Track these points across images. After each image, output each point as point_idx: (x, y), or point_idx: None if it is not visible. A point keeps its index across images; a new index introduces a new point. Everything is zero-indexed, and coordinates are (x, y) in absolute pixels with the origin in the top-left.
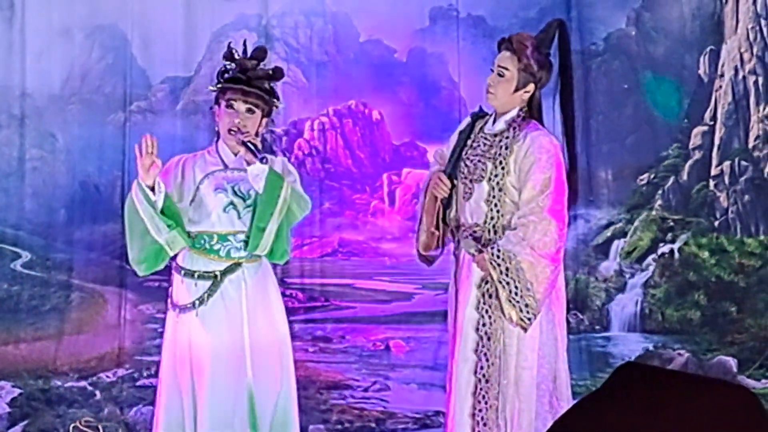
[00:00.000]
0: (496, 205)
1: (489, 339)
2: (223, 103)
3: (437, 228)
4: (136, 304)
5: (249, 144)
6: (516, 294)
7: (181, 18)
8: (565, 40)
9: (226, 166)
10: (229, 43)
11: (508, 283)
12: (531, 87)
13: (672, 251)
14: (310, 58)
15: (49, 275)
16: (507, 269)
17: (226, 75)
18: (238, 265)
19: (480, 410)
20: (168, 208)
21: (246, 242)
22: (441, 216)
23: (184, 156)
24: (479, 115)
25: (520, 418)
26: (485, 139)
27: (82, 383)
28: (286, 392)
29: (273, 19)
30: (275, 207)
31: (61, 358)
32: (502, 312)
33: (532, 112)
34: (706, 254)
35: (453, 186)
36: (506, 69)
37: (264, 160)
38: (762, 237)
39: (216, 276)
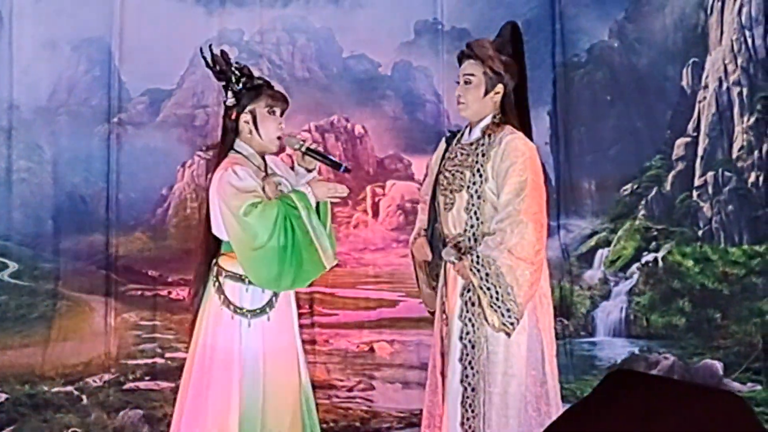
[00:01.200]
0: (475, 213)
1: (473, 347)
2: (263, 109)
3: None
4: (120, 312)
5: (317, 153)
6: (497, 299)
7: (164, 32)
8: (518, 41)
9: (265, 172)
10: (210, 45)
11: (488, 289)
12: (500, 88)
13: (656, 260)
14: (292, 75)
15: (36, 284)
16: (487, 275)
17: (245, 81)
18: None
19: (468, 419)
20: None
21: None
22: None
23: (238, 164)
24: (453, 134)
25: (507, 426)
26: (462, 149)
27: (69, 388)
28: (306, 382)
29: (256, 35)
30: (329, 210)
31: (47, 364)
32: (486, 319)
33: (507, 116)
34: (690, 263)
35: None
36: (472, 75)
37: (347, 170)
38: (745, 246)
39: None
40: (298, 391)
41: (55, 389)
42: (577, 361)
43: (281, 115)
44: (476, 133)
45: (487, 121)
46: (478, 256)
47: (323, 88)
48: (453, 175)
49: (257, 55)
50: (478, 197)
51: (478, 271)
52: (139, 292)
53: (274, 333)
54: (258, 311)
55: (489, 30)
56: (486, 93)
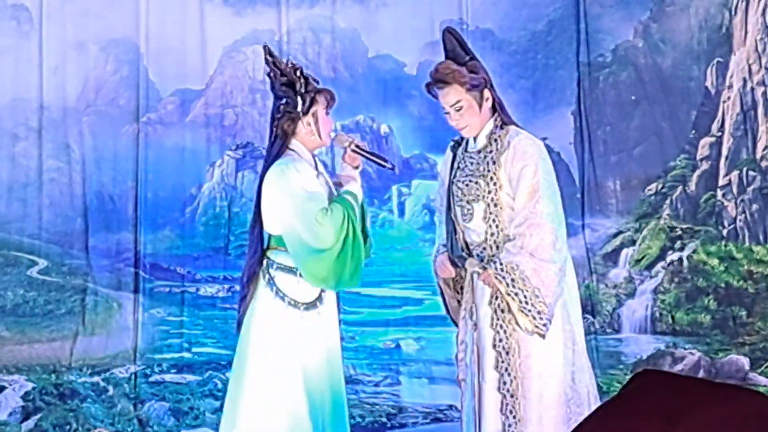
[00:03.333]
0: (494, 221)
1: (507, 353)
2: (322, 112)
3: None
4: (148, 308)
5: (365, 151)
6: (527, 303)
7: (194, 32)
8: (462, 41)
9: (318, 172)
10: (269, 47)
11: (516, 294)
12: (487, 93)
13: (681, 259)
14: (318, 74)
15: (64, 280)
16: (513, 280)
17: (310, 85)
18: None
19: (510, 425)
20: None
21: None
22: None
23: (289, 163)
24: (458, 142)
25: (548, 427)
26: (471, 157)
27: (95, 378)
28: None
29: (283, 35)
30: (366, 208)
31: (75, 357)
32: (518, 324)
33: (502, 116)
34: (715, 261)
35: (457, 267)
36: (459, 101)
37: (393, 167)
38: None
39: None
40: (343, 386)
41: (82, 379)
42: (603, 357)
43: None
44: (482, 140)
45: (491, 126)
46: (501, 264)
47: (349, 88)
48: (467, 185)
49: (285, 54)
50: (495, 205)
51: (503, 278)
52: (167, 289)
53: (325, 328)
54: (309, 304)
55: (513, 30)
56: (480, 107)
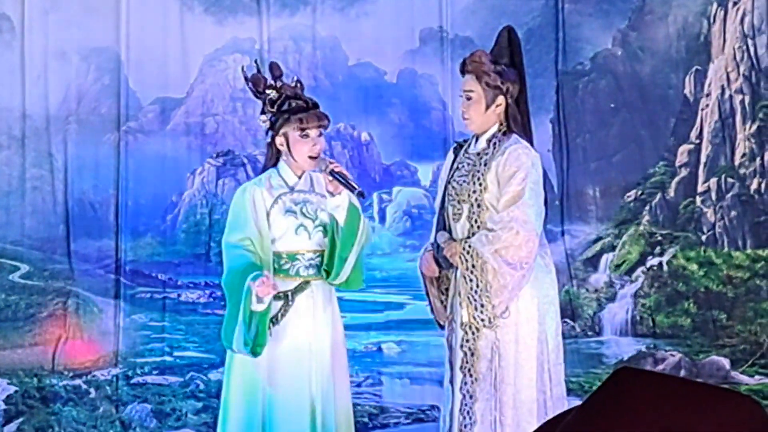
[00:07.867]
0: (476, 221)
1: (473, 355)
2: (295, 132)
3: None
4: (129, 314)
5: (340, 176)
6: (474, 293)
7: (174, 41)
8: (515, 46)
9: (291, 189)
10: (242, 67)
11: (471, 281)
12: (501, 100)
13: (660, 264)
14: None
15: (46, 284)
16: (473, 266)
17: (280, 104)
18: (307, 282)
19: (466, 426)
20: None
21: (316, 262)
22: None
23: (248, 186)
24: (460, 144)
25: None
26: (469, 159)
27: (77, 381)
28: (346, 390)
29: (264, 44)
30: (356, 238)
31: (57, 360)
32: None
33: (512, 124)
34: (694, 266)
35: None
36: (471, 91)
37: (361, 194)
38: (749, 251)
39: (287, 295)
40: (329, 402)
41: (64, 383)
42: (584, 358)
43: (320, 134)
44: (482, 143)
45: (493, 130)
46: (470, 246)
47: (329, 96)
48: (460, 185)
49: (265, 63)
50: (478, 206)
51: (466, 260)
52: (149, 295)
53: (279, 348)
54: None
55: (492, 38)
56: (487, 107)
